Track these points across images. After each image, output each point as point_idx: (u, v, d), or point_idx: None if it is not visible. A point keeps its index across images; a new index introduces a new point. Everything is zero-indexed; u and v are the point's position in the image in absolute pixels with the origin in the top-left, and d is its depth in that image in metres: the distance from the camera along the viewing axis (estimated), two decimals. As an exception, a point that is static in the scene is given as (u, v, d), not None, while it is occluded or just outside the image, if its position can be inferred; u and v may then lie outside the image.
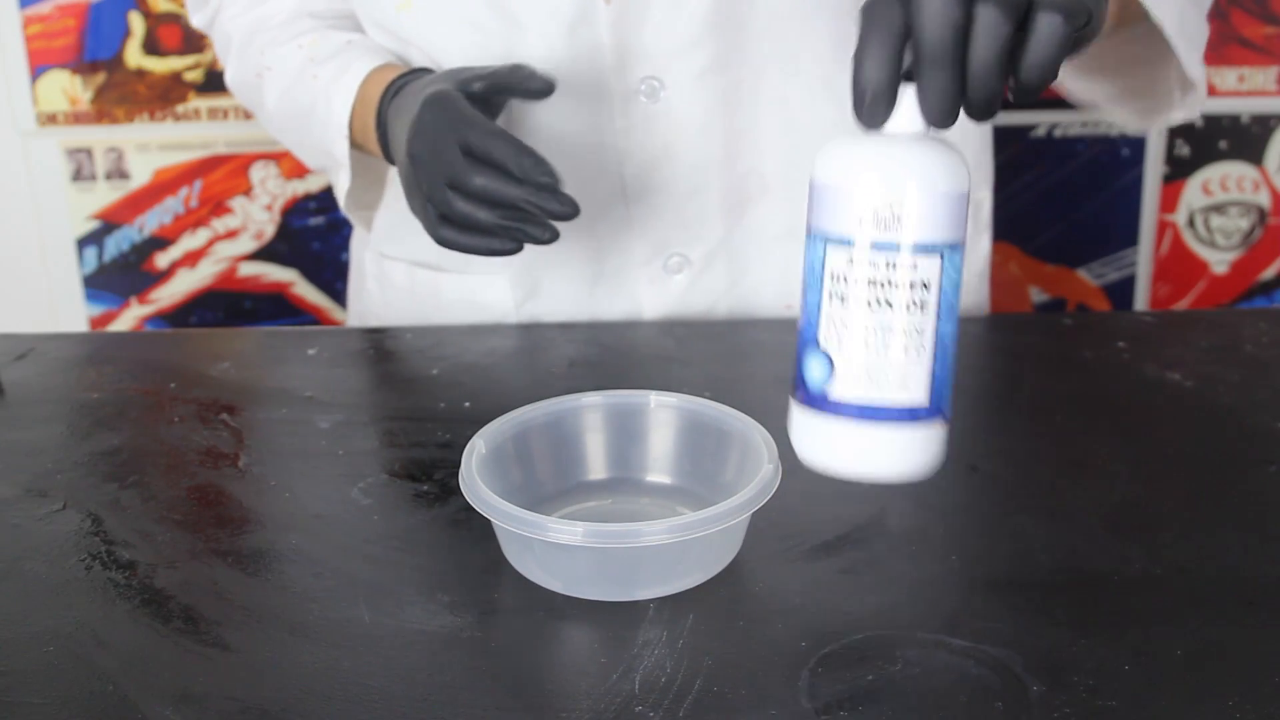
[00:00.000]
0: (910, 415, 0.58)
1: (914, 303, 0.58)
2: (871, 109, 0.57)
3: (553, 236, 0.81)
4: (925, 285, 0.58)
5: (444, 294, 1.03)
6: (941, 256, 0.58)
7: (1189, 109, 0.96)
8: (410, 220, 0.95)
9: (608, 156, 0.95)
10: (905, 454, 0.59)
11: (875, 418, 0.58)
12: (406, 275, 1.06)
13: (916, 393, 0.58)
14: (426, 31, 0.95)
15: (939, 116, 0.57)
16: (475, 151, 0.81)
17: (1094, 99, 1.01)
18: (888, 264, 0.58)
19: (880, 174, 0.58)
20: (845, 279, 0.59)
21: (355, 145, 0.98)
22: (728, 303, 1.01)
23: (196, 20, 1.10)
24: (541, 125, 0.94)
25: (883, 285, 0.58)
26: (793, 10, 0.92)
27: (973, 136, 1.05)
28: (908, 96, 0.58)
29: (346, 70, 0.96)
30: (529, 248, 0.99)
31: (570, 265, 1.00)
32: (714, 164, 0.96)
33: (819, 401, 0.60)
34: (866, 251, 0.58)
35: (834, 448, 0.60)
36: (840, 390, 0.59)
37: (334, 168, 1.01)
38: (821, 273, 0.60)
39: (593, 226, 0.98)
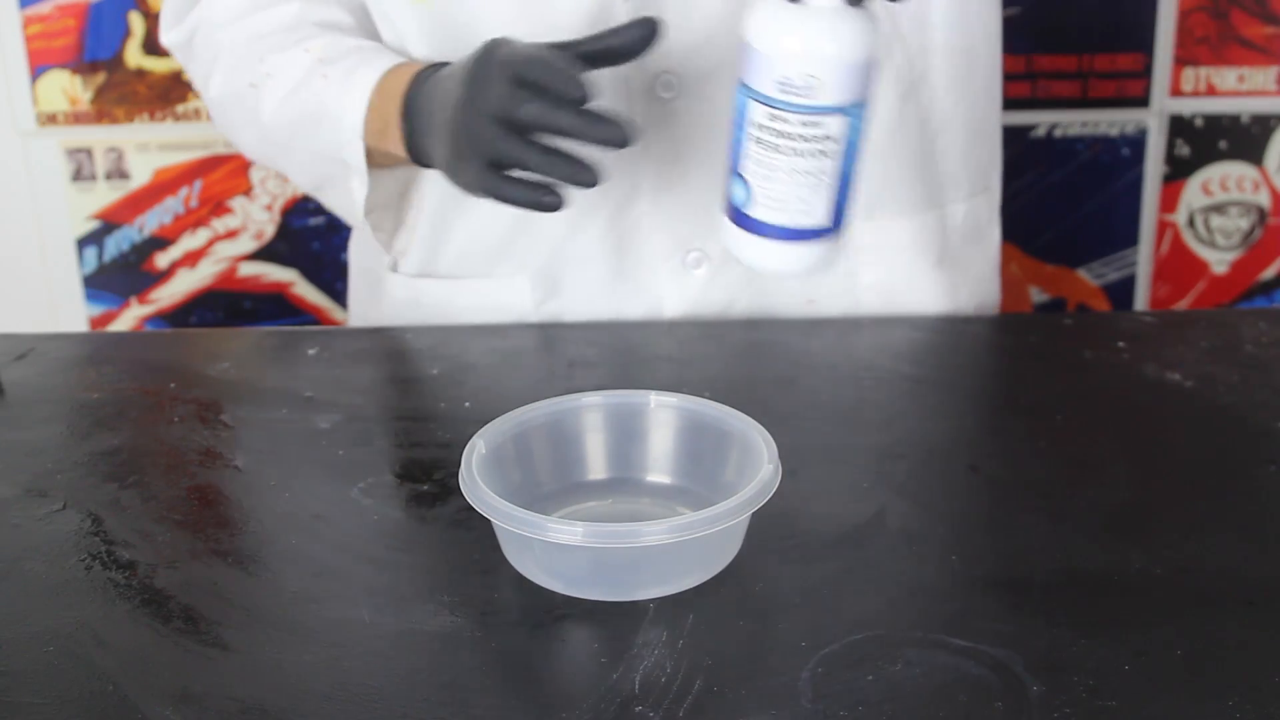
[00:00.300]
0: (814, 234, 0.73)
1: (821, 152, 0.71)
2: None
3: (594, 179, 0.79)
4: (831, 138, 0.71)
5: (458, 301, 1.02)
6: (847, 115, 0.70)
7: None
8: (433, 234, 0.95)
9: (626, 153, 0.95)
10: (806, 259, 0.74)
11: (785, 237, 0.73)
12: (410, 288, 1.03)
13: (818, 218, 0.73)
14: (447, 23, 0.93)
15: None
16: (525, 79, 0.78)
17: None
18: (801, 121, 0.70)
19: (796, 41, 0.69)
20: (762, 127, 0.71)
21: (370, 152, 0.95)
22: (747, 298, 1.01)
23: (169, 38, 1.04)
24: None
25: (795, 138, 0.71)
26: None
27: (986, 124, 1.05)
28: None
29: (364, 64, 0.93)
30: (548, 245, 0.99)
31: (590, 263, 1.00)
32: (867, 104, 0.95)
33: (741, 218, 0.74)
34: (782, 109, 0.70)
35: (754, 253, 0.75)
36: (758, 213, 0.73)
37: (340, 177, 0.97)
38: (744, 120, 0.72)
39: (612, 223, 0.98)
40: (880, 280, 1.02)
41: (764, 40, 0.70)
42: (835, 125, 0.70)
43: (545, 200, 0.81)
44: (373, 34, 1.01)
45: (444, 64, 0.89)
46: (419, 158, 0.90)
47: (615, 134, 0.78)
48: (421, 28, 0.95)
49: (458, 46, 0.94)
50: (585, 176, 0.80)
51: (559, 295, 1.01)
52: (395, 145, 0.91)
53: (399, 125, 0.90)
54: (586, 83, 0.77)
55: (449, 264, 1.02)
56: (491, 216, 0.98)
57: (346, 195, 0.98)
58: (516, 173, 0.81)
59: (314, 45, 0.96)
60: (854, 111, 0.71)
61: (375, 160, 0.95)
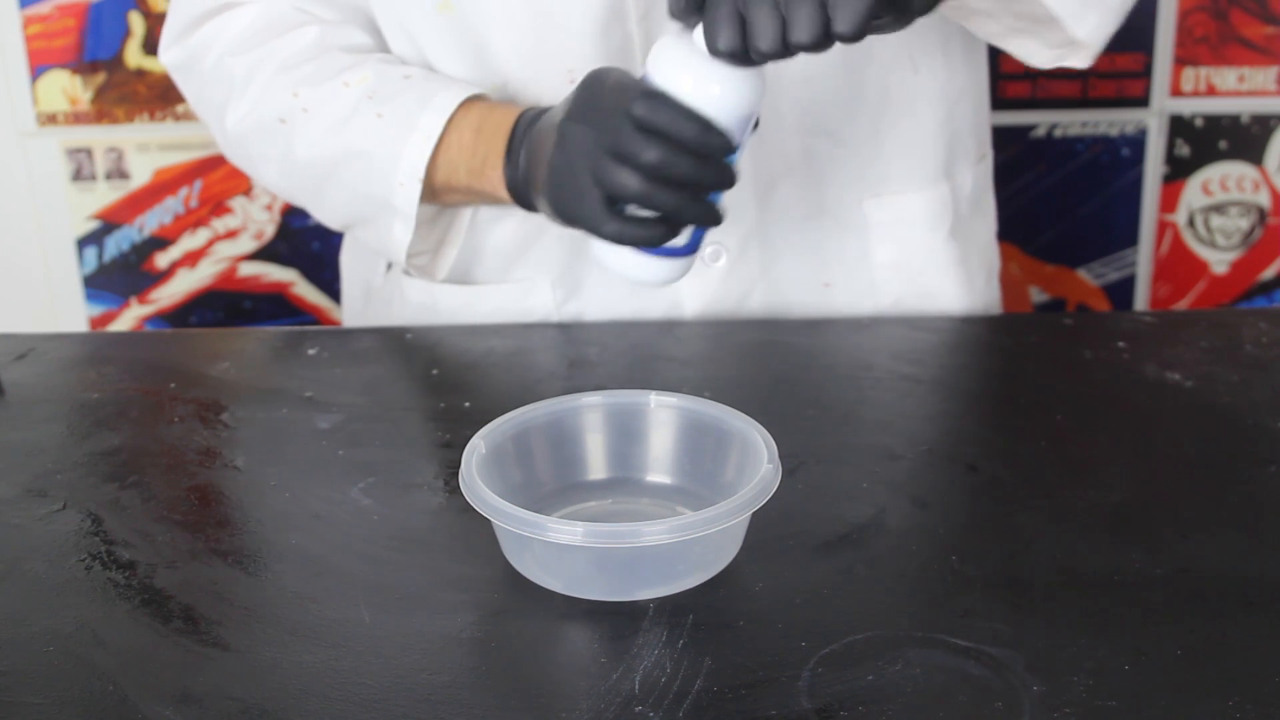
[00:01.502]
0: (677, 253, 0.78)
1: None
2: (685, 10, 0.70)
3: (720, 219, 0.78)
4: None
5: (479, 306, 1.01)
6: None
7: (1087, 46, 0.91)
8: (466, 247, 0.93)
9: None
10: (668, 273, 0.79)
11: (654, 253, 0.78)
12: (427, 293, 1.02)
13: (681, 241, 0.78)
14: (465, 32, 0.93)
15: (726, 48, 0.69)
16: (644, 122, 0.74)
17: (990, 35, 0.95)
18: None
19: (688, 81, 0.73)
20: None
21: (442, 188, 0.92)
22: (762, 289, 1.01)
23: (168, 57, 1.00)
24: None
25: None
26: None
27: (985, 89, 1.05)
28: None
29: (424, 105, 0.90)
30: (567, 248, 0.98)
31: None
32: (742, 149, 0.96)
33: None
34: None
35: (620, 263, 0.79)
36: None
37: (377, 218, 0.94)
38: None
39: None
40: (895, 258, 1.02)
41: (660, 73, 0.74)
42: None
43: (670, 236, 0.77)
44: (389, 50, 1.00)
45: (546, 109, 0.86)
46: (522, 199, 0.87)
47: (727, 178, 0.76)
48: (444, 37, 0.94)
49: (476, 54, 0.94)
50: (713, 217, 0.77)
51: (579, 296, 1.01)
52: (495, 185, 0.88)
53: (502, 167, 0.87)
54: (707, 127, 0.74)
55: (471, 271, 1.02)
56: (518, 224, 0.98)
57: (383, 235, 0.95)
58: (633, 209, 0.77)
59: (355, 78, 0.93)
60: (736, 154, 0.75)
61: (451, 199, 0.93)
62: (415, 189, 0.90)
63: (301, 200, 1.00)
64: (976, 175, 1.06)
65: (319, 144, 0.93)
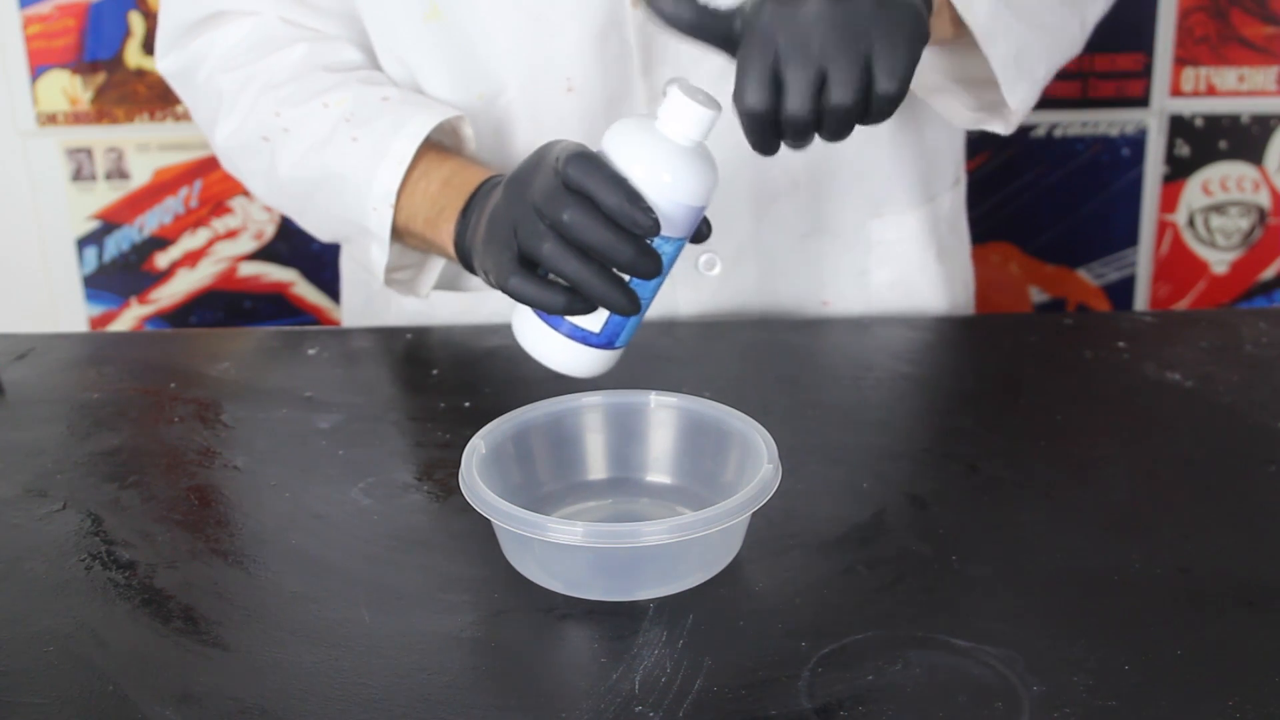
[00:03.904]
0: (593, 341, 0.73)
1: None
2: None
3: (632, 309, 0.72)
4: None
5: (478, 311, 1.01)
6: (667, 246, 0.71)
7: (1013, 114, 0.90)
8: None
9: None
10: (588, 363, 0.73)
11: (576, 339, 0.73)
12: (425, 300, 1.00)
13: (593, 327, 0.72)
14: (454, 41, 0.92)
15: (753, 108, 0.68)
16: (571, 181, 0.70)
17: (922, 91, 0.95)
18: None
19: (640, 169, 0.70)
20: None
21: (403, 230, 0.90)
22: (758, 302, 1.01)
23: (164, 65, 1.00)
24: (571, 127, 0.93)
25: None
26: None
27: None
28: (689, 109, 0.69)
29: (397, 131, 0.89)
30: None
31: None
32: (741, 161, 0.96)
33: (542, 312, 0.74)
34: None
35: (540, 345, 0.73)
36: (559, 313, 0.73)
37: (358, 239, 0.94)
38: None
39: None
40: (894, 277, 1.03)
41: (612, 149, 0.71)
42: (664, 250, 0.71)
43: (572, 308, 0.72)
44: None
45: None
46: (464, 257, 0.85)
47: (648, 263, 0.71)
48: (432, 48, 0.93)
49: (468, 65, 0.94)
50: (625, 305, 0.71)
51: None
52: (445, 239, 0.87)
53: (455, 221, 0.85)
54: (640, 206, 0.69)
55: (461, 280, 1.01)
56: None
57: (362, 255, 0.95)
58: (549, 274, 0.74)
59: (335, 99, 0.92)
60: (675, 243, 0.71)
61: (411, 243, 0.92)
62: (387, 214, 0.90)
63: (289, 214, 1.00)
64: (954, 197, 1.08)
65: (299, 164, 0.93)
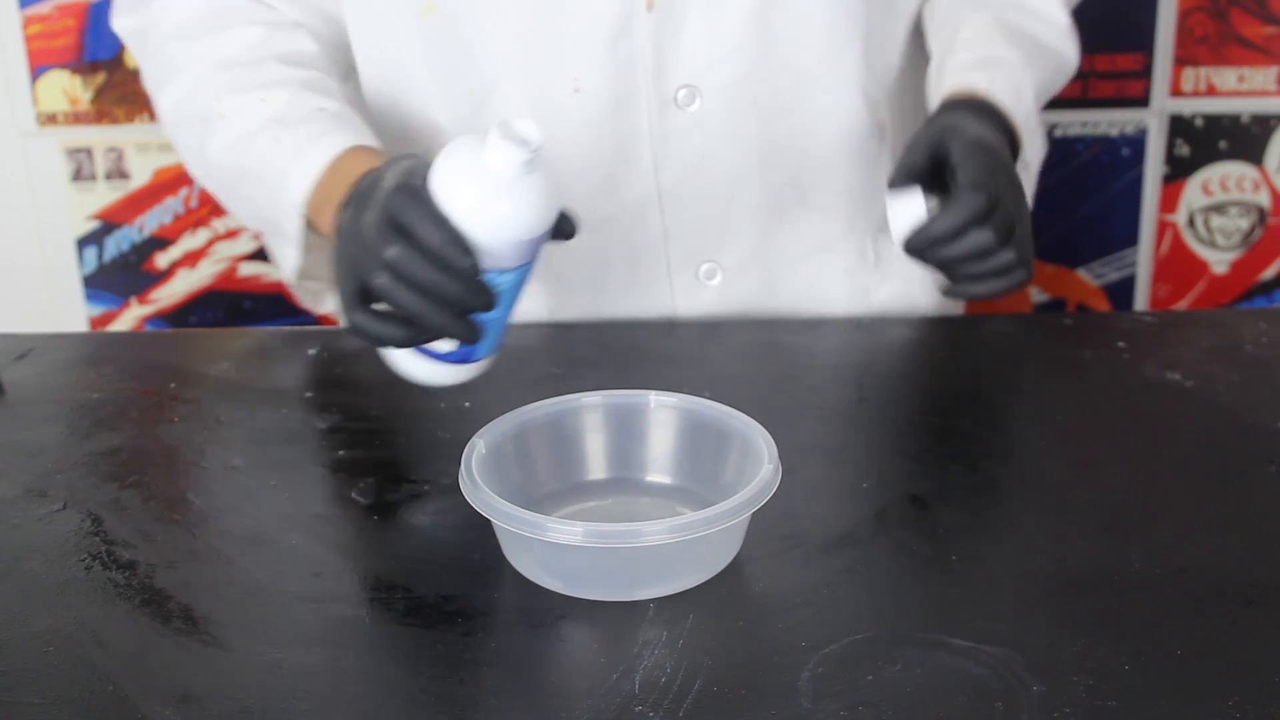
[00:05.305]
0: (448, 358, 0.75)
1: None
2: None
3: (476, 336, 0.72)
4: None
5: None
6: (508, 274, 0.71)
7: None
8: None
9: (643, 163, 0.95)
10: (449, 376, 0.76)
11: (435, 358, 0.75)
12: None
13: (444, 348, 0.74)
14: (449, 37, 0.92)
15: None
16: (394, 218, 0.70)
17: None
18: None
19: (459, 205, 0.68)
20: None
21: (310, 219, 0.90)
22: (758, 310, 1.01)
23: (120, 24, 0.98)
24: (578, 132, 0.93)
25: None
26: (828, 22, 0.92)
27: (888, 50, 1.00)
28: (510, 148, 0.67)
29: (317, 140, 0.88)
30: (561, 258, 0.96)
31: (604, 272, 0.99)
32: (749, 172, 0.96)
33: None
34: None
35: (393, 358, 0.76)
36: None
37: (273, 236, 0.94)
38: None
39: (628, 233, 0.97)
40: (896, 291, 1.04)
41: (437, 179, 0.69)
42: (499, 280, 0.71)
43: (414, 340, 0.73)
44: (343, 61, 0.98)
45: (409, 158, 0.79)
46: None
47: (480, 298, 0.70)
48: (426, 43, 0.93)
49: (459, 62, 0.93)
50: (466, 333, 0.71)
51: (572, 307, 1.01)
52: (329, 228, 0.85)
53: (337, 214, 0.80)
54: (460, 248, 0.69)
55: None
56: None
57: (279, 254, 0.95)
58: (383, 306, 0.73)
59: (273, 98, 0.91)
60: (512, 272, 0.71)
61: (320, 226, 0.90)
62: (297, 221, 0.89)
63: (217, 197, 1.00)
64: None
65: (226, 153, 0.93)
